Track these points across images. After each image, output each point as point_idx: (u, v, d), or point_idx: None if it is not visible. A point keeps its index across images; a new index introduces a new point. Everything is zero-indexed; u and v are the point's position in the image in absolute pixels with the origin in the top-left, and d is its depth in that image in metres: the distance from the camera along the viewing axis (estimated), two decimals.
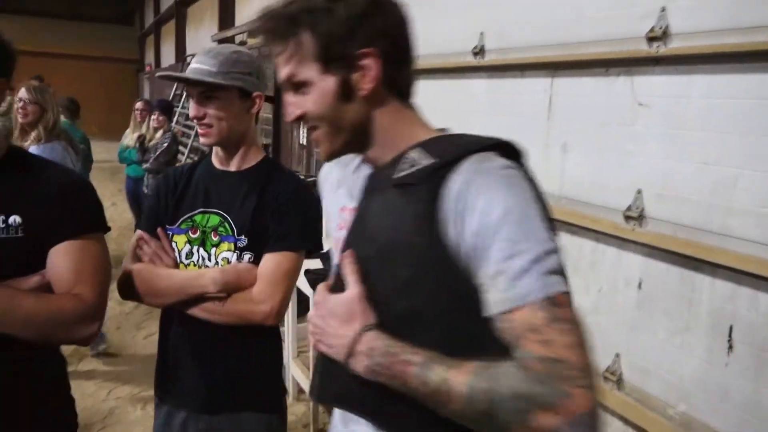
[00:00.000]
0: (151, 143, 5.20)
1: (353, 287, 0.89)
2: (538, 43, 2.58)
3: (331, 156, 0.97)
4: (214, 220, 1.51)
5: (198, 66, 1.46)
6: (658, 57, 2.04)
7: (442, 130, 0.98)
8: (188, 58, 1.84)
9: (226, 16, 9.12)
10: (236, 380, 1.54)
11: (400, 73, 0.93)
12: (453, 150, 0.87)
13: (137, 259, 1.51)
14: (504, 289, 0.78)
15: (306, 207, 1.53)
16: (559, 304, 0.77)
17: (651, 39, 2.06)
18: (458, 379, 0.77)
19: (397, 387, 0.83)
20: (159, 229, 1.52)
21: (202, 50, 1.51)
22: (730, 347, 1.86)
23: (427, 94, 3.55)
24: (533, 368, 0.73)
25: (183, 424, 1.56)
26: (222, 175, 1.55)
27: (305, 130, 0.99)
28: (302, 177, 4.77)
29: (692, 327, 1.98)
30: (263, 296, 1.42)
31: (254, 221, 1.48)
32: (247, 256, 1.48)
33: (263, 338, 1.56)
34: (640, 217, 2.12)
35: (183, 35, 13.17)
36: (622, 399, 2.23)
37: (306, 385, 3.16)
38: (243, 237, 1.48)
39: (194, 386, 1.54)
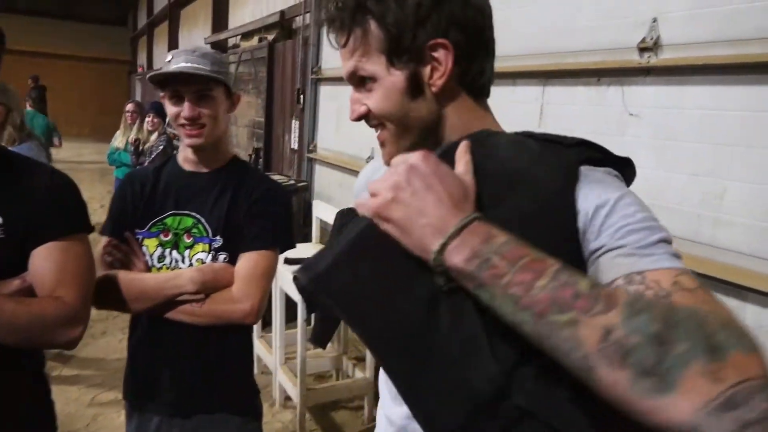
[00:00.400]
0: (146, 146, 5.16)
1: (466, 172, 0.73)
2: (531, 51, 2.58)
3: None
4: (187, 221, 1.49)
5: (189, 65, 1.42)
6: (649, 67, 2.05)
7: None
8: (172, 58, 1.82)
9: (220, 19, 9.10)
10: (209, 382, 1.53)
11: (474, 67, 0.82)
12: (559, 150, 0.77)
13: (107, 266, 1.46)
14: (642, 247, 0.66)
15: (279, 206, 1.55)
16: (699, 284, 0.64)
17: (642, 49, 2.06)
18: (615, 295, 0.59)
19: (498, 303, 0.63)
20: (127, 234, 1.49)
21: (183, 51, 1.46)
22: None
23: None
24: (713, 315, 0.58)
25: (157, 429, 1.55)
26: (192, 176, 1.53)
27: (374, 129, 0.86)
28: (293, 181, 4.76)
29: None
30: (242, 295, 1.42)
31: (228, 221, 1.48)
32: (221, 257, 1.47)
33: (234, 338, 1.55)
34: None
35: (176, 37, 13.14)
36: None
37: (293, 393, 3.13)
38: (218, 237, 1.47)
39: (166, 391, 1.53)
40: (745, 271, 1.76)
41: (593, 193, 0.71)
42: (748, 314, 1.77)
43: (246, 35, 7.35)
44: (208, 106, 1.45)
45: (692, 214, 1.92)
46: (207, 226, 1.49)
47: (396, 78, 0.80)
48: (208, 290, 1.42)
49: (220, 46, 8.72)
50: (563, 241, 0.70)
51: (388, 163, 0.84)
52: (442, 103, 0.82)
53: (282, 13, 5.88)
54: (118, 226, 1.51)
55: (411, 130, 0.83)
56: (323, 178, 4.94)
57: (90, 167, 11.38)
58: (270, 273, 1.49)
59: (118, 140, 5.49)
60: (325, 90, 4.92)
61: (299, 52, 5.20)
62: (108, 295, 1.41)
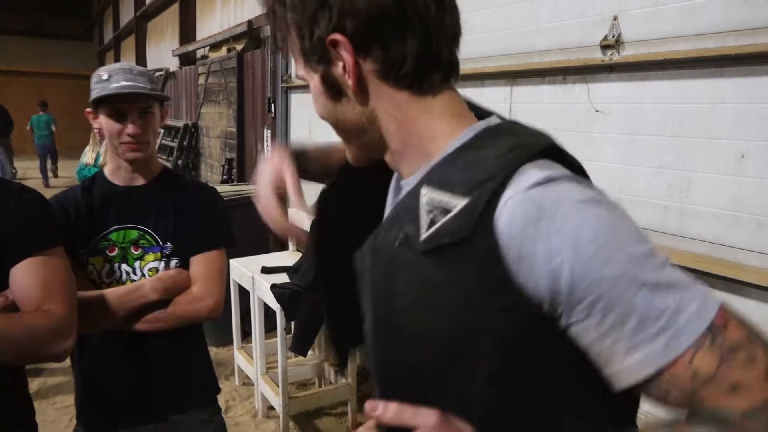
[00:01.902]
0: None
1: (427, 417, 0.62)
2: (498, 52, 2.62)
3: (357, 162, 0.77)
4: (132, 234, 1.53)
5: (133, 84, 1.47)
6: (612, 64, 2.10)
7: (481, 113, 0.75)
8: (109, 77, 1.75)
9: (187, 31, 9.04)
10: (176, 382, 1.57)
11: (390, 55, 0.67)
12: (485, 178, 0.61)
13: None
14: (630, 349, 0.56)
15: (219, 207, 1.65)
16: (721, 327, 0.56)
17: (605, 47, 2.11)
18: None
19: None
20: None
21: (120, 70, 1.49)
22: None
23: None
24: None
25: None
26: (129, 190, 1.56)
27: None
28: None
29: None
30: (205, 293, 1.51)
31: (177, 227, 1.54)
32: (173, 262, 1.54)
33: (188, 338, 1.60)
34: None
35: (143, 50, 13.01)
36: None
37: (275, 402, 3.12)
38: (168, 244, 1.54)
39: (135, 399, 1.54)
40: (711, 258, 1.81)
41: (539, 267, 0.58)
42: None
43: (214, 46, 7.31)
44: (149, 123, 1.52)
45: (659, 206, 1.97)
46: (154, 235, 1.53)
47: (315, 80, 0.72)
48: (170, 296, 1.48)
49: (188, 58, 8.66)
50: (559, 374, 0.63)
51: (352, 161, 0.78)
52: (365, 103, 0.70)
53: (250, 22, 5.87)
54: None
55: (349, 135, 0.74)
56: None
57: (60, 184, 11.17)
58: (224, 270, 1.60)
59: (88, 156, 5.41)
60: (296, 98, 4.92)
61: (268, 61, 5.19)
62: None
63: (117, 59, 16.61)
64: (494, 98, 2.65)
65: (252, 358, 3.36)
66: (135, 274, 1.52)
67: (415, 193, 0.66)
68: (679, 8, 1.88)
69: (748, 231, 1.72)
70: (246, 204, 1.88)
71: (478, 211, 0.59)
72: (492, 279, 0.59)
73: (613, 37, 2.08)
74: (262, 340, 3.27)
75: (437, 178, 0.65)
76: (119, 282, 1.51)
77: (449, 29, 0.69)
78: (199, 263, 1.54)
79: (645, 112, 2.01)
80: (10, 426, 1.32)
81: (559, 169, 0.62)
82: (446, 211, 0.61)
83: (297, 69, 0.74)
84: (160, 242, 1.53)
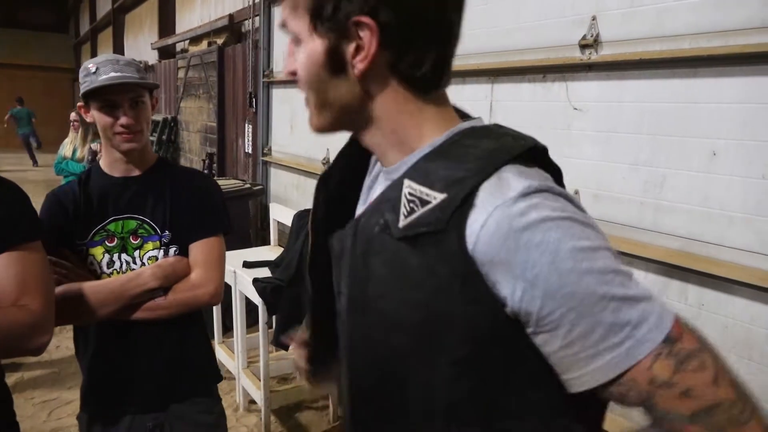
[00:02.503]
0: (99, 157, 5.04)
1: None
2: (479, 50, 2.66)
3: (319, 131, 0.76)
4: (131, 224, 1.54)
5: (122, 74, 1.48)
6: (590, 63, 2.14)
7: (467, 118, 0.78)
8: (97, 69, 1.73)
9: (167, 24, 8.95)
10: (178, 370, 1.59)
11: (410, 55, 0.69)
12: (464, 176, 0.64)
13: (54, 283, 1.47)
14: (593, 357, 0.61)
15: (216, 194, 1.66)
16: (677, 337, 0.61)
17: (583, 46, 2.16)
18: None
19: None
20: (65, 251, 1.51)
21: (107, 62, 1.50)
22: None
23: None
24: None
25: (129, 427, 1.58)
26: (125, 181, 1.57)
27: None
28: (249, 185, 4.73)
29: None
30: (204, 279, 1.52)
31: (174, 216, 1.55)
32: (172, 250, 1.55)
33: (191, 325, 1.62)
34: None
35: (121, 43, 12.83)
36: None
37: (257, 396, 3.13)
38: (167, 232, 1.55)
39: (134, 392, 1.57)
40: (685, 253, 1.86)
41: (513, 274, 0.62)
42: (690, 294, 1.88)
43: (194, 40, 7.25)
44: (141, 112, 1.53)
45: (635, 202, 2.02)
46: (152, 224, 1.55)
47: (316, 45, 0.70)
48: (170, 283, 1.50)
49: (167, 51, 8.57)
50: (521, 369, 0.67)
51: (314, 129, 0.77)
52: (366, 88, 0.71)
53: (231, 16, 5.83)
54: (52, 244, 1.51)
55: (329, 107, 0.73)
56: (279, 180, 4.93)
57: (34, 177, 10.98)
58: (223, 256, 1.60)
59: (66, 148, 5.34)
60: (277, 93, 4.92)
61: (250, 56, 5.17)
62: (67, 309, 1.41)
63: (93, 52, 16.36)
64: (475, 95, 2.69)
65: (233, 352, 3.36)
66: (135, 263, 1.53)
67: (397, 185, 0.69)
68: (655, 10, 1.94)
69: (719, 226, 1.78)
70: (228, 198, 1.89)
71: (454, 207, 0.63)
72: (461, 272, 0.63)
73: (591, 36, 2.12)
74: (244, 334, 3.27)
75: (419, 172, 0.68)
76: (120, 272, 1.53)
77: (458, 40, 0.73)
78: (197, 250, 1.55)
79: (622, 110, 2.07)
80: None
81: (537, 178, 0.66)
82: (425, 202, 0.65)
83: (290, 18, 0.72)
84: (159, 231, 1.54)
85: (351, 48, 0.68)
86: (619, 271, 0.62)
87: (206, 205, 1.60)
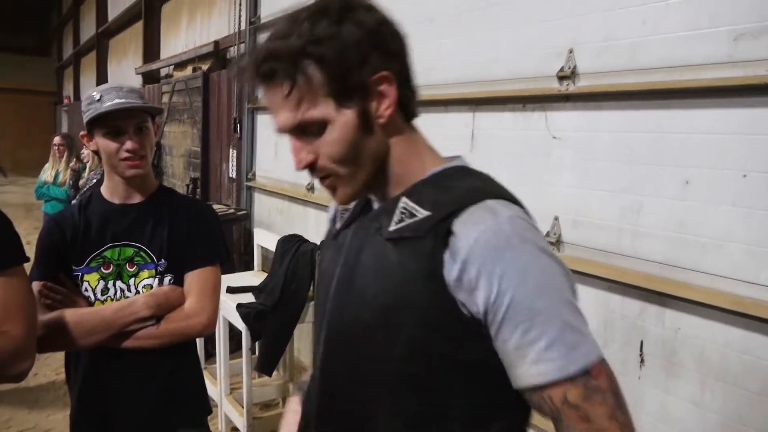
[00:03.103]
0: (81, 181, 5.01)
1: None
2: (461, 80, 2.73)
3: (351, 199, 0.89)
4: (128, 251, 1.55)
5: (127, 101, 1.50)
6: (568, 94, 2.22)
7: (451, 158, 0.93)
8: (101, 97, 1.77)
9: (151, 49, 8.98)
10: (169, 400, 1.58)
11: (410, 94, 0.86)
12: (449, 201, 0.80)
13: (46, 309, 1.46)
14: (534, 362, 0.75)
15: (213, 223, 1.67)
16: (595, 375, 0.75)
17: (561, 78, 2.23)
18: None
19: None
20: (61, 275, 1.52)
21: (111, 89, 1.52)
22: (642, 360, 2.00)
23: None
24: None
25: None
26: (125, 208, 1.59)
27: (313, 176, 0.88)
28: (233, 210, 4.73)
29: (608, 344, 2.11)
30: (197, 309, 1.52)
31: (171, 244, 1.56)
32: (167, 279, 1.55)
33: (184, 354, 1.62)
34: (558, 242, 2.26)
35: (105, 68, 12.82)
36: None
37: (239, 423, 3.10)
38: (162, 261, 1.55)
39: (128, 417, 1.55)
40: (663, 279, 1.91)
41: (484, 282, 0.76)
42: (667, 319, 1.93)
43: (179, 65, 7.29)
44: (146, 138, 1.54)
45: (613, 228, 2.07)
46: (149, 252, 1.55)
47: (347, 117, 0.80)
48: (162, 312, 1.50)
49: (151, 76, 8.59)
50: (463, 361, 0.81)
51: (342, 203, 0.90)
52: (389, 134, 0.85)
53: (216, 43, 5.89)
54: (49, 269, 1.52)
55: (365, 167, 0.84)
56: (263, 206, 4.94)
57: (13, 202, 10.84)
58: (218, 286, 1.61)
59: (47, 173, 5.31)
60: (262, 118, 4.95)
61: (235, 82, 5.22)
62: (57, 336, 1.41)
63: (76, 76, 16.31)
64: (457, 123, 2.75)
65: (215, 378, 3.34)
66: (129, 290, 1.53)
67: (395, 200, 0.85)
68: (629, 44, 2.02)
69: (694, 252, 1.84)
70: None
71: (434, 222, 0.79)
72: (429, 269, 0.78)
73: (568, 68, 2.20)
74: (227, 360, 3.26)
75: (415, 193, 0.84)
76: (114, 299, 1.53)
77: None
78: (192, 279, 1.55)
79: (599, 139, 2.13)
80: None
81: (518, 211, 0.82)
82: (413, 215, 0.82)
83: (309, 111, 0.80)
84: (155, 259, 1.55)
85: (374, 104, 0.82)
86: (572, 302, 0.78)
87: (203, 234, 1.61)
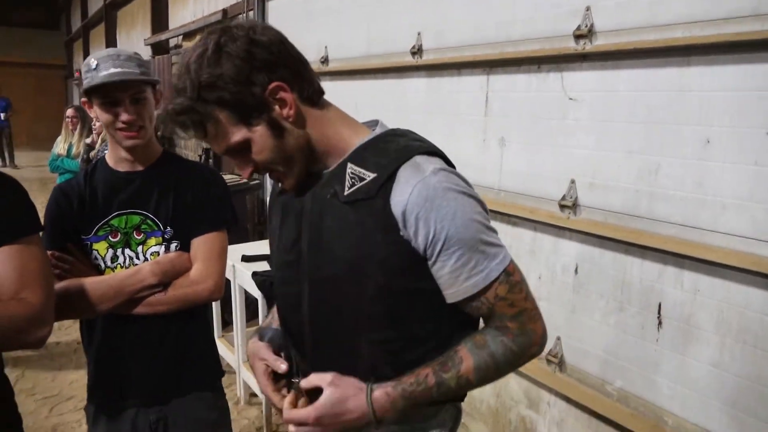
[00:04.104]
0: (93, 152, 5.03)
1: (322, 379, 1.01)
2: (474, 42, 2.67)
3: (298, 184, 1.04)
4: (134, 219, 1.55)
5: (122, 71, 1.47)
6: (584, 54, 2.16)
7: (370, 123, 1.08)
8: (97, 65, 1.74)
9: (159, 19, 8.90)
10: (179, 367, 1.60)
11: (306, 84, 0.99)
12: (388, 162, 0.97)
13: (55, 278, 1.46)
14: (467, 279, 0.97)
15: (220, 189, 1.65)
16: (512, 272, 0.99)
17: (578, 37, 2.17)
18: (468, 367, 0.99)
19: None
20: (69, 245, 1.52)
21: (107, 57, 1.49)
22: (660, 323, 1.99)
23: (368, 94, 3.59)
24: (510, 326, 1.00)
25: (133, 421, 1.58)
26: (130, 176, 1.58)
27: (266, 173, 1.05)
28: (246, 180, 4.73)
29: (625, 307, 2.10)
30: (204, 275, 1.52)
31: (177, 211, 1.56)
32: (173, 246, 1.55)
33: (193, 320, 1.62)
34: (574, 206, 2.24)
35: (114, 39, 12.76)
36: (564, 380, 2.34)
37: (258, 389, 3.15)
38: (168, 228, 1.55)
39: (138, 385, 1.58)
40: (681, 240, 1.89)
41: (423, 224, 0.94)
42: (686, 280, 1.91)
43: (188, 35, 7.22)
44: (143, 108, 1.51)
45: (630, 190, 2.04)
46: (156, 220, 1.55)
47: (261, 132, 0.96)
48: (168, 279, 1.50)
49: (160, 47, 8.54)
50: (417, 293, 1.00)
51: (292, 190, 1.05)
52: (301, 125, 0.99)
53: (225, 11, 5.82)
54: (57, 238, 1.52)
55: (295, 160, 1.00)
56: None
57: (28, 176, 10.94)
58: (225, 251, 1.60)
59: (60, 146, 5.32)
60: None
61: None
62: (67, 304, 1.42)
63: (86, 49, 16.25)
64: (471, 87, 2.70)
65: (233, 346, 3.38)
66: (138, 258, 1.54)
67: (342, 166, 1.00)
68: (648, 0, 1.96)
69: (712, 213, 1.81)
70: None
71: (381, 182, 0.95)
72: (384, 223, 0.95)
73: (585, 27, 2.14)
74: (244, 328, 3.29)
75: (358, 158, 1.00)
76: (123, 267, 1.53)
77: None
78: (198, 245, 1.55)
79: (616, 99, 2.09)
80: None
81: (439, 163, 0.98)
82: (362, 179, 0.97)
83: (229, 140, 0.96)
84: (161, 227, 1.55)
85: (276, 111, 0.96)
86: (489, 226, 0.99)
87: (209, 199, 1.60)
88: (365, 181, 0.96)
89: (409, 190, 0.93)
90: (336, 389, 0.99)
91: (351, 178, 0.98)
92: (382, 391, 0.99)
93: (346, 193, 0.98)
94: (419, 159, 0.97)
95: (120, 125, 1.49)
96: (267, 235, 4.15)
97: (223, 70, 0.91)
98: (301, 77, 0.99)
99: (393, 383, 0.99)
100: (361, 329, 1.01)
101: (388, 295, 0.98)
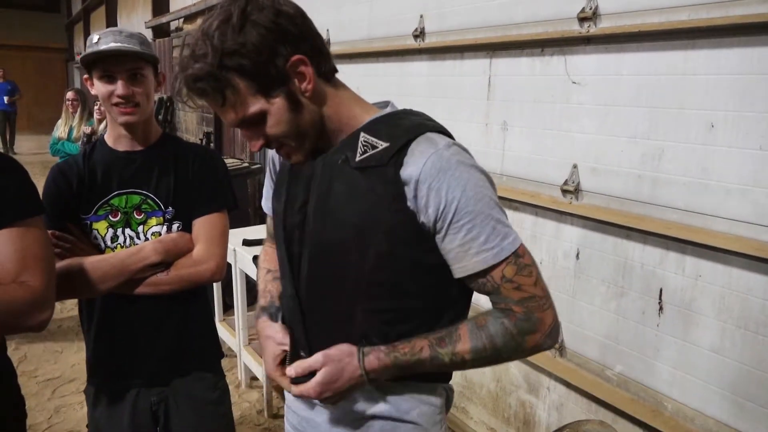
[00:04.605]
0: (93, 134, 5.00)
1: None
2: (477, 25, 2.64)
3: (305, 160, 1.04)
4: (135, 199, 1.54)
5: (120, 45, 1.45)
6: (588, 36, 2.13)
7: (380, 104, 1.09)
8: (99, 39, 1.73)
9: (160, 2, 8.83)
10: (181, 345, 1.61)
11: (323, 60, 0.99)
12: (402, 133, 0.98)
13: (56, 257, 1.45)
14: (476, 254, 0.96)
15: (220, 170, 1.65)
16: (522, 255, 0.98)
17: (582, 19, 2.14)
18: (464, 347, 0.99)
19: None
20: (69, 224, 1.51)
21: (110, 32, 1.48)
22: (661, 309, 1.98)
23: (370, 78, 3.55)
24: (515, 311, 0.98)
25: (134, 401, 1.59)
26: (130, 155, 1.57)
27: (275, 148, 1.05)
28: (247, 164, 4.72)
29: (626, 292, 2.10)
30: (206, 256, 1.52)
31: (177, 191, 1.55)
32: (175, 226, 1.55)
33: (194, 300, 1.63)
34: (576, 191, 2.22)
35: (114, 22, 12.68)
36: (564, 365, 2.34)
37: (258, 372, 3.16)
38: (170, 208, 1.55)
39: (139, 365, 1.58)
40: (683, 225, 1.88)
41: (434, 197, 0.95)
42: (688, 266, 1.90)
43: (189, 18, 7.17)
44: (140, 85, 1.50)
45: (633, 175, 2.03)
46: (156, 200, 1.54)
47: (279, 105, 0.95)
48: (171, 258, 1.50)
49: (161, 30, 8.48)
50: (422, 264, 1.02)
51: (298, 163, 1.05)
52: (316, 101, 0.99)
53: None
54: (56, 218, 1.51)
55: (307, 135, 1.00)
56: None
57: (29, 160, 10.92)
58: (226, 232, 1.60)
59: (60, 129, 5.30)
60: None
61: None
62: (68, 284, 1.41)
63: (86, 31, 16.17)
64: (473, 70, 2.68)
65: (234, 330, 3.40)
66: (138, 238, 1.53)
67: (355, 135, 1.01)
68: None
69: (716, 198, 1.79)
70: None
71: (393, 152, 0.97)
72: (393, 192, 0.96)
73: (590, 9, 2.11)
74: (245, 312, 3.30)
75: (371, 128, 1.01)
76: (123, 246, 1.53)
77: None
78: (200, 226, 1.55)
79: (620, 83, 2.06)
80: None
81: (450, 139, 1.01)
82: (374, 147, 0.98)
83: (246, 110, 0.94)
84: (162, 206, 1.54)
85: (295, 85, 0.95)
86: (498, 204, 0.99)
87: (211, 180, 1.59)
88: (377, 149, 0.97)
89: (423, 161, 0.94)
90: (329, 366, 1.01)
91: (363, 145, 0.99)
92: (374, 356, 1.00)
93: (357, 159, 0.98)
94: (432, 135, 0.99)
95: (115, 100, 1.47)
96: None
97: (247, 39, 0.90)
98: (320, 53, 0.98)
99: (386, 349, 1.00)
100: (359, 298, 1.02)
101: (389, 264, 0.99)
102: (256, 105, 0.94)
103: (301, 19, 0.96)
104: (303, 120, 0.98)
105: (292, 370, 1.04)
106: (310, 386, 1.02)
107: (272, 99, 0.94)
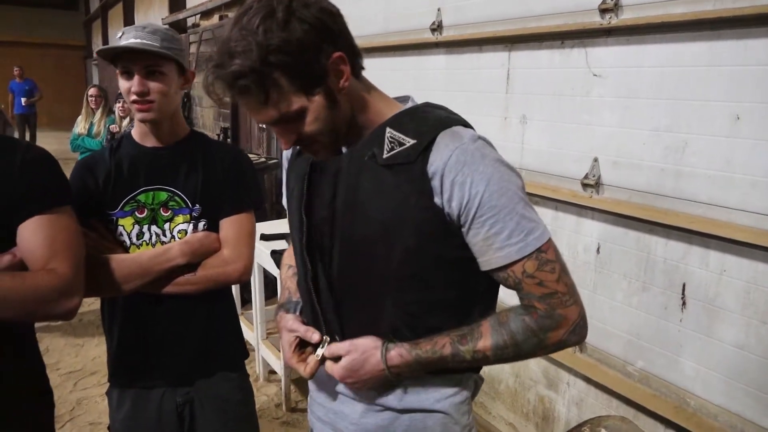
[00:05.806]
0: (117, 133, 5.05)
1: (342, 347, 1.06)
2: (495, 17, 2.62)
3: (332, 156, 1.04)
4: (162, 195, 1.52)
5: (138, 41, 1.43)
6: (610, 28, 2.10)
7: (401, 99, 1.10)
8: (122, 34, 1.74)
9: None
10: (207, 345, 1.59)
11: (357, 58, 1.00)
12: (428, 129, 0.98)
13: None
14: (499, 249, 0.96)
15: (248, 170, 1.63)
16: (545, 250, 0.97)
17: (603, 11, 2.12)
18: (485, 344, 1.00)
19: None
20: (93, 220, 1.49)
21: (134, 27, 1.47)
22: (684, 304, 1.96)
23: (386, 72, 3.54)
24: (537, 307, 0.98)
25: (159, 401, 1.57)
26: (156, 151, 1.55)
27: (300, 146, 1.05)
28: (264, 159, 4.73)
29: (648, 287, 2.07)
30: (234, 256, 1.51)
31: (205, 190, 1.53)
32: (201, 224, 1.53)
33: (220, 300, 1.63)
34: (597, 185, 2.20)
35: (132, 19, 12.76)
36: (584, 360, 2.32)
37: (277, 366, 3.18)
38: (197, 206, 1.53)
39: (168, 362, 1.57)
40: (707, 219, 1.85)
41: (459, 191, 0.95)
42: (712, 260, 1.87)
43: (205, 14, 7.20)
44: (157, 82, 1.46)
45: (655, 168, 2.00)
46: (184, 197, 1.52)
47: (318, 101, 0.95)
48: (197, 259, 1.48)
49: (178, 26, 8.52)
50: (448, 259, 1.02)
51: (328, 156, 1.04)
52: (349, 97, 1.00)
53: None
54: (80, 213, 1.47)
55: (339, 131, 1.00)
56: None
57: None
58: (254, 232, 1.58)
59: (81, 126, 5.36)
60: None
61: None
62: (93, 281, 1.39)
63: (104, 29, 16.30)
64: (492, 63, 2.66)
65: (252, 324, 3.41)
66: (165, 235, 1.52)
67: (381, 131, 1.01)
68: None
69: (741, 191, 1.76)
70: None
71: (420, 149, 0.96)
72: (419, 189, 0.96)
73: (611, 0, 2.08)
74: (263, 306, 3.31)
75: (396, 123, 1.01)
76: (149, 244, 1.51)
77: None
78: (228, 226, 1.53)
79: (642, 75, 2.03)
80: (27, 394, 1.34)
81: (475, 133, 1.00)
82: (401, 144, 0.98)
83: (287, 108, 0.93)
84: (189, 204, 1.52)
85: (332, 82, 0.95)
86: (525, 199, 0.97)
87: (239, 180, 1.57)
88: (404, 146, 0.97)
89: (448, 155, 0.94)
90: (354, 355, 1.04)
91: (390, 142, 0.98)
92: (396, 352, 1.02)
93: (384, 156, 0.98)
94: (458, 128, 0.98)
95: (132, 97, 1.46)
96: (285, 214, 4.15)
97: (293, 36, 0.88)
98: (354, 51, 0.99)
99: (409, 346, 1.02)
100: (387, 290, 1.02)
101: (417, 259, 0.99)
102: (297, 103, 0.93)
103: (340, 16, 0.96)
104: (338, 117, 0.98)
105: (323, 351, 1.08)
106: (336, 367, 1.06)
107: (313, 96, 0.94)
